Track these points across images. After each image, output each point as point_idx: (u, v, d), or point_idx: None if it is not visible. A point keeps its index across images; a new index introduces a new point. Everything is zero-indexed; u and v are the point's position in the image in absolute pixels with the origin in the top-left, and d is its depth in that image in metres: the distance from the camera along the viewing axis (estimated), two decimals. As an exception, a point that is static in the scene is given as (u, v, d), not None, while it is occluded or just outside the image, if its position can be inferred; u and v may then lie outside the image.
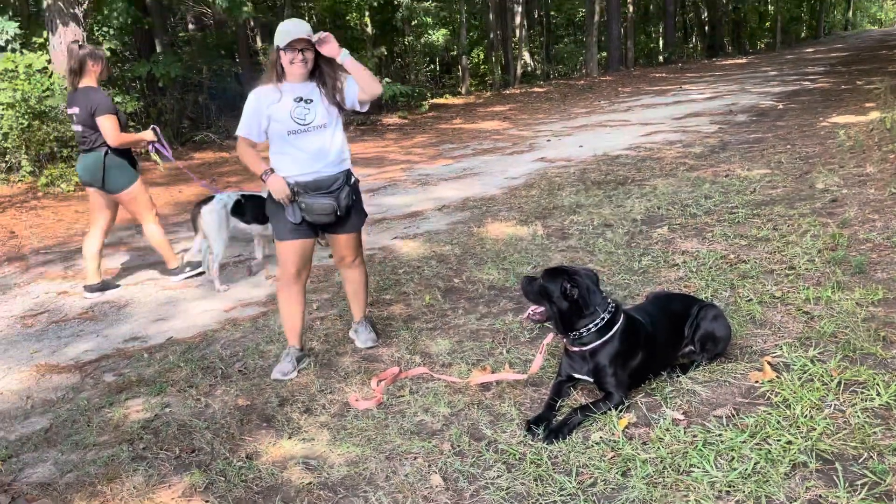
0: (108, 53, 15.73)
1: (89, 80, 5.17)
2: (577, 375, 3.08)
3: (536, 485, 2.51)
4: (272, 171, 3.59)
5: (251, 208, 5.23)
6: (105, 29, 15.36)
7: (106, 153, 5.18)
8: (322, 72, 3.60)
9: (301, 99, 3.57)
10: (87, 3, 11.67)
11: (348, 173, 3.74)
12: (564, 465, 2.60)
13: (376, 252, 5.94)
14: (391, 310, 4.49)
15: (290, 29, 3.48)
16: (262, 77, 3.67)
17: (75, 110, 5.14)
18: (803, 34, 49.99)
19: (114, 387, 3.84)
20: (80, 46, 5.20)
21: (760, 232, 4.98)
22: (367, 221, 6.97)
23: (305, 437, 3.05)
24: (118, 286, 5.71)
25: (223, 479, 2.81)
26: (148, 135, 5.43)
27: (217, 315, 4.82)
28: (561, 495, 2.43)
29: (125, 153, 5.34)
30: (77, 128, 5.23)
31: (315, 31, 3.52)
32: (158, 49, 17.54)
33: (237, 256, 6.34)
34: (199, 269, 5.77)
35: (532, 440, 2.79)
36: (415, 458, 2.78)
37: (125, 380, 3.90)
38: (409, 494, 2.56)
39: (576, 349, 3.02)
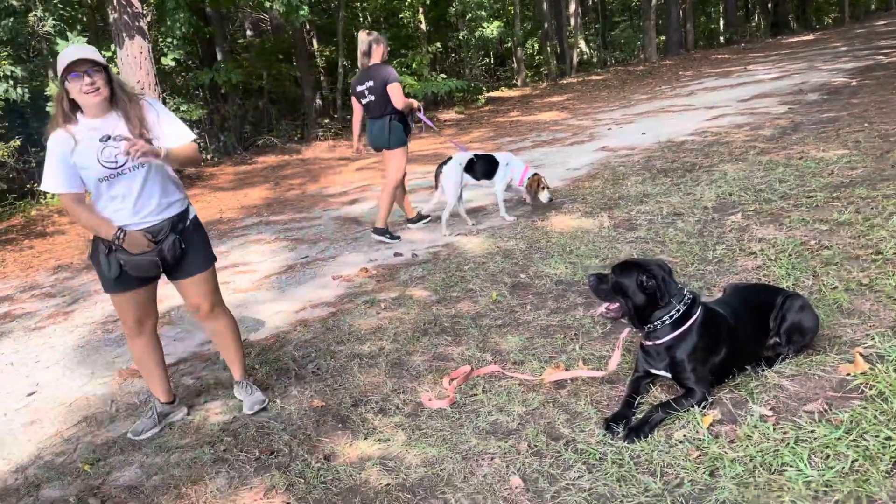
0: (173, 63, 16.23)
1: (376, 59, 6.25)
2: (654, 371, 2.98)
3: (620, 485, 2.44)
4: (122, 230, 3.10)
5: (480, 166, 6.39)
6: (168, 40, 15.80)
7: (390, 119, 6.25)
8: (119, 100, 3.08)
9: (108, 137, 3.03)
10: (150, 15, 12.03)
11: (180, 216, 3.28)
12: (648, 465, 2.53)
13: (440, 249, 5.92)
14: (459, 307, 4.46)
15: (71, 52, 2.96)
16: (49, 125, 3.09)
17: (369, 84, 6.23)
18: (873, 6, 47.66)
19: (192, 390, 3.93)
20: (368, 34, 6.30)
21: (842, 216, 4.75)
22: (430, 219, 7.05)
23: (381, 438, 3.06)
24: (399, 239, 6.57)
25: (302, 480, 2.83)
26: (415, 102, 6.52)
27: (288, 316, 4.89)
28: (646, 496, 2.36)
29: (403, 121, 6.38)
30: (370, 98, 6.28)
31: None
32: (219, 57, 17.98)
33: (304, 258, 6.43)
34: (427, 219, 6.92)
35: (611, 439, 2.72)
36: (492, 459, 2.75)
37: (203, 383, 4.00)
38: (488, 496, 2.53)
39: (650, 343, 2.93)
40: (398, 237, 6.59)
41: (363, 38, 6.29)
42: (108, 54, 12.97)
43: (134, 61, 11.63)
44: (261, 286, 5.75)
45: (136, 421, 3.56)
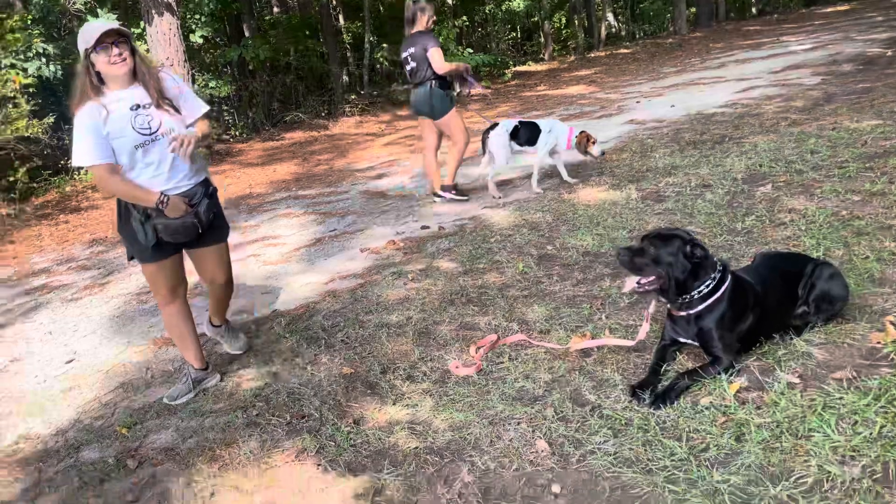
0: (201, 41, 16.32)
1: (420, 27, 6.41)
2: (681, 340, 2.99)
3: (645, 450, 2.47)
4: (165, 195, 3.17)
5: (525, 133, 6.42)
6: (196, 16, 15.89)
7: (431, 85, 6.39)
8: (140, 72, 3.14)
9: (138, 106, 3.11)
10: (178, -9, 12.10)
11: (206, 182, 3.38)
12: (674, 431, 2.55)
13: (467, 222, 5.94)
14: (485, 278, 4.49)
15: (97, 25, 3.00)
16: (74, 101, 3.10)
17: (411, 51, 6.38)
18: (914, -26, 46.15)
19: (225, 358, 4.02)
20: (414, 1, 6.45)
21: (875, 186, 4.67)
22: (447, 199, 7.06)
23: (409, 404, 3.11)
24: (467, 198, 6.79)
25: (333, 443, 2.90)
26: (462, 65, 6.64)
27: (317, 287, 4.96)
28: (672, 460, 2.38)
29: (445, 86, 6.50)
30: (412, 65, 6.44)
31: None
32: (247, 33, 18.04)
33: (332, 231, 6.50)
34: (467, 198, 6.85)
35: (638, 405, 2.74)
36: (518, 424, 2.79)
37: (235, 351, 4.08)
38: (514, 459, 2.57)
39: (682, 313, 2.92)
40: (467, 197, 6.79)
41: (408, 5, 6.47)
42: (138, 31, 13.09)
43: (163, 38, 11.73)
44: (290, 258, 5.83)
45: (171, 387, 3.66)
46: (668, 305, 2.99)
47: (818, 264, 3.04)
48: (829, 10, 26.78)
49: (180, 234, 3.26)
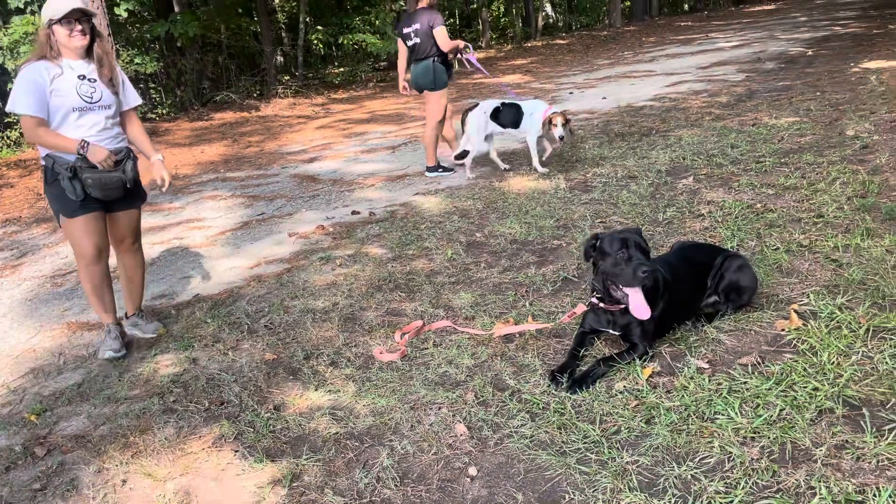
0: (126, 14, 15.68)
1: (424, 3, 6.54)
2: (602, 329, 3.06)
3: (560, 433, 2.52)
4: (85, 141, 3.40)
5: (507, 115, 6.40)
6: (122, -11, 15.26)
7: (434, 61, 6.51)
8: (94, 52, 3.50)
9: (84, 77, 3.44)
10: (103, -38, 11.58)
11: (129, 150, 3.66)
12: (588, 414, 2.61)
13: (398, 208, 5.93)
14: (414, 265, 4.49)
15: (68, 2, 3.31)
16: (28, 58, 3.46)
17: (415, 27, 6.50)
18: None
19: (143, 343, 3.91)
20: None
21: (788, 180, 4.88)
22: (390, 178, 7.05)
23: (331, 389, 3.10)
24: (453, 170, 6.92)
25: (252, 429, 2.86)
26: (461, 43, 6.71)
27: (242, 272, 4.87)
28: (585, 443, 2.45)
29: (445, 64, 6.62)
30: (415, 40, 6.55)
31: None
32: (176, 9, 17.44)
33: (260, 215, 6.38)
34: (450, 169, 6.96)
35: (555, 390, 2.80)
36: (439, 409, 2.81)
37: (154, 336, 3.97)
38: (433, 443, 2.59)
39: (615, 308, 2.96)
40: (451, 169, 6.93)
41: None
42: (58, 2, 12.49)
43: (85, 10, 11.20)
44: (215, 242, 5.69)
45: (102, 343, 3.77)
46: (602, 302, 3.00)
47: (728, 256, 3.17)
48: (757, 9, 27.72)
49: (109, 189, 3.48)
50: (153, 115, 15.17)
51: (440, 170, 6.94)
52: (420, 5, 6.58)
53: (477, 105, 6.53)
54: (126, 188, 3.55)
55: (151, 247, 5.72)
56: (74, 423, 3.15)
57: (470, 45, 6.89)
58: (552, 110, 6.29)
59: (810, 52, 12.02)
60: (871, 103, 6.95)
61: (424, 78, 6.63)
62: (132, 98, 3.74)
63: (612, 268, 2.84)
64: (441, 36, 6.42)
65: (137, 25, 17.86)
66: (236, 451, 2.73)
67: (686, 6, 34.15)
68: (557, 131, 6.10)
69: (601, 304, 2.98)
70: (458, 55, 6.89)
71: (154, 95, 16.94)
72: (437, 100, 6.72)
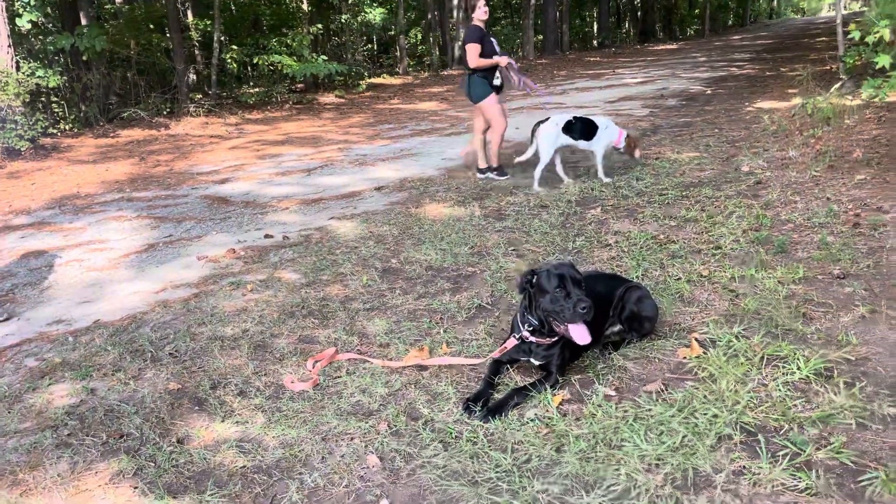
0: (29, 25, 14.96)
1: (473, 19, 6.82)
2: (520, 358, 3.10)
3: (473, 462, 2.53)
4: None
5: (579, 127, 6.50)
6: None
7: (471, 73, 6.85)
8: None
9: None
10: (2, -31, 11.05)
11: None
12: (500, 443, 2.64)
13: (312, 232, 5.86)
14: (328, 291, 4.44)
15: None
16: None
17: (461, 41, 6.56)
18: (730, 21, 51.51)
19: (36, 372, 3.68)
20: None
21: (689, 213, 5.12)
22: (305, 201, 6.96)
23: (239, 420, 3.00)
24: (507, 175, 7.18)
25: (153, 464, 2.74)
26: (503, 60, 6.86)
27: (147, 297, 4.68)
28: (496, 472, 2.46)
29: (486, 74, 6.84)
30: (460, 53, 7.06)
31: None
32: (83, 21, 16.77)
33: (167, 237, 6.16)
34: (506, 176, 7.18)
35: (469, 418, 2.81)
36: (351, 439, 2.77)
37: (48, 364, 3.75)
38: (344, 475, 2.55)
39: (546, 341, 3.01)
40: (507, 174, 7.18)
41: None
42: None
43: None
44: (118, 265, 5.45)
45: None
46: (535, 335, 3.03)
47: (630, 287, 3.29)
48: (660, 48, 29.16)
49: None
50: (54, 131, 14.46)
51: (495, 172, 7.18)
52: (472, 22, 6.86)
53: (549, 118, 6.61)
54: None
55: (48, 269, 5.42)
56: (-45, 461, 2.92)
57: (513, 62, 7.04)
58: (626, 133, 6.74)
59: (709, 91, 12.73)
60: (765, 141, 7.41)
61: (465, 89, 7.04)
62: None
63: (551, 305, 2.90)
64: (469, 53, 6.73)
65: (41, 37, 17.05)
66: (135, 488, 2.60)
67: (595, 42, 35.58)
68: (638, 153, 6.77)
69: (532, 338, 3.03)
70: (505, 71, 6.99)
71: (56, 110, 16.16)
72: (486, 110, 6.97)
